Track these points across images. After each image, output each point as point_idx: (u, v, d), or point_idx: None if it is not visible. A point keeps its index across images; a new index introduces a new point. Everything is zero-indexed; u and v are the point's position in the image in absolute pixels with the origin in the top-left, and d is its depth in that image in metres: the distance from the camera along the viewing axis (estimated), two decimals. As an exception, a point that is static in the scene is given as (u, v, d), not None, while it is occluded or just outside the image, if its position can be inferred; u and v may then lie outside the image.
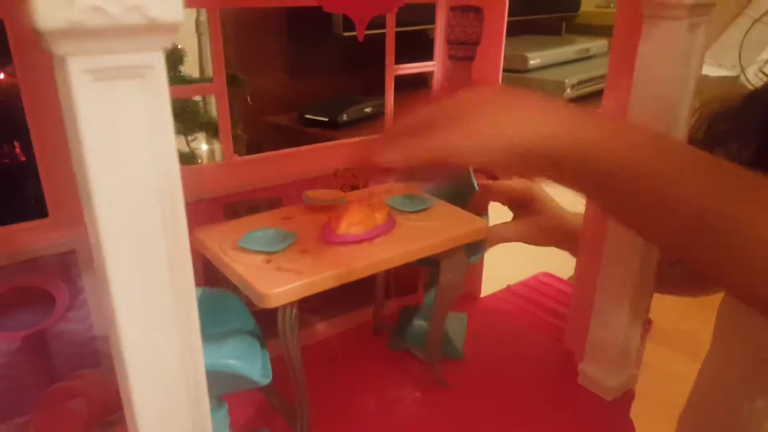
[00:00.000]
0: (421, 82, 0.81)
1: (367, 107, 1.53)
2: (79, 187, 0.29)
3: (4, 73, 0.82)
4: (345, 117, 1.47)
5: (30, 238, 0.49)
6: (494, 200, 0.77)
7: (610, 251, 0.61)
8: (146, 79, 0.27)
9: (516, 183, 0.76)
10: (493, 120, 0.42)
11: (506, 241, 0.78)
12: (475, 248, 0.67)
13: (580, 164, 0.42)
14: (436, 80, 0.74)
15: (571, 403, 0.66)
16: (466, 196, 0.70)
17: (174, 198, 0.29)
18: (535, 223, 0.77)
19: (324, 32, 1.58)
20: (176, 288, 0.32)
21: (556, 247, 0.80)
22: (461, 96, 0.45)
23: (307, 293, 0.50)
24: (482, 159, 0.43)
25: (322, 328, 0.76)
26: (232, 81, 1.17)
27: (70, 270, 0.53)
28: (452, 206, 0.65)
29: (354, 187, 0.71)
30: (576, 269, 0.71)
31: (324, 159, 0.71)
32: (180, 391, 0.35)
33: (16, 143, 0.79)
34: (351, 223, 0.56)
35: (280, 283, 0.49)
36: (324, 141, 0.73)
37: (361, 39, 0.54)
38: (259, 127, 1.55)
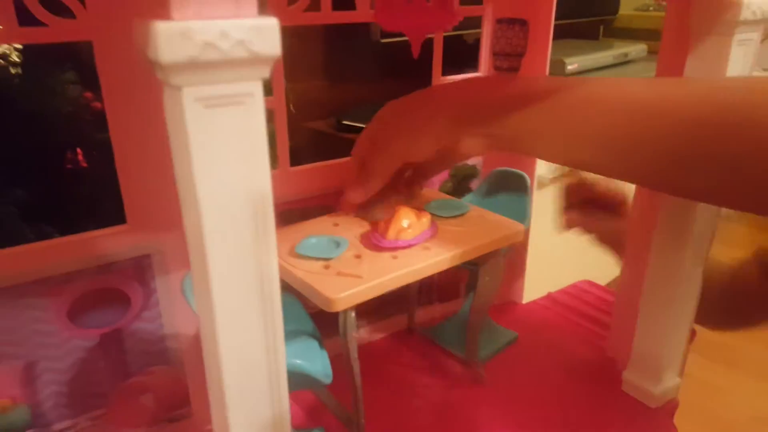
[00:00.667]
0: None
1: (405, 113, 1.55)
2: (181, 199, 0.33)
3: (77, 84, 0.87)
4: (382, 123, 1.49)
5: (109, 243, 0.53)
6: (588, 195, 0.74)
7: (656, 259, 0.63)
8: (247, 105, 0.30)
9: (611, 182, 0.73)
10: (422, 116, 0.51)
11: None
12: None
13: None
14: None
15: (614, 409, 0.67)
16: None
17: (266, 210, 0.33)
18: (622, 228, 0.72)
19: (362, 39, 1.61)
20: (264, 291, 0.35)
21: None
22: (386, 108, 0.55)
23: (368, 297, 0.53)
24: (433, 147, 0.52)
25: (364, 332, 0.79)
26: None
27: (145, 273, 0.56)
28: (486, 211, 0.67)
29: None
30: (621, 276, 0.72)
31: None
32: (263, 385, 0.38)
33: (93, 153, 0.84)
34: (399, 230, 0.58)
35: (344, 288, 0.52)
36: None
37: (416, 56, 0.57)
38: (299, 133, 1.59)
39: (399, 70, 1.82)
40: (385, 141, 0.54)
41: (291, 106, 1.40)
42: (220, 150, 0.30)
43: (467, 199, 0.75)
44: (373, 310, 0.81)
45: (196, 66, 0.27)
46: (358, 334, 0.78)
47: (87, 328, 0.55)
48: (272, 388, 0.38)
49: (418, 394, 0.69)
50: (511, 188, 0.72)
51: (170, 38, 0.26)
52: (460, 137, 0.51)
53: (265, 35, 0.28)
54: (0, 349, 0.51)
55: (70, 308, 0.54)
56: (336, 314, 0.57)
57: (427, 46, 0.69)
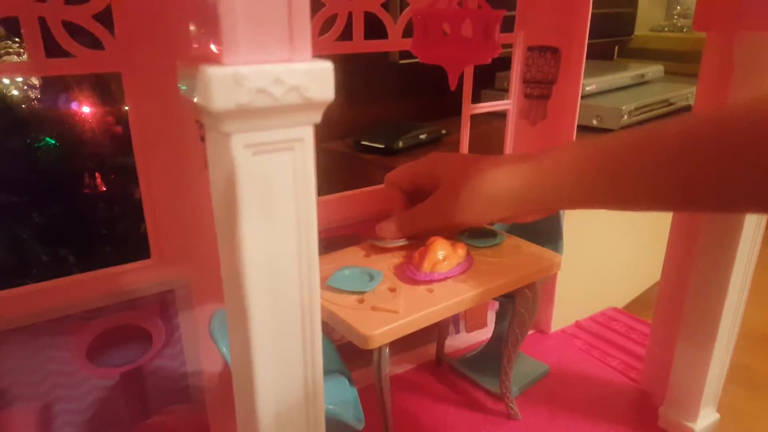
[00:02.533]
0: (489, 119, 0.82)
1: (423, 133, 1.53)
2: (220, 246, 0.30)
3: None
4: (401, 143, 1.47)
5: (133, 278, 0.51)
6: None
7: (697, 288, 0.60)
8: (296, 151, 0.28)
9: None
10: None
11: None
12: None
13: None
14: (512, 118, 0.74)
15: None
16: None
17: (311, 255, 0.30)
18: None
19: (380, 59, 1.59)
20: (305, 330, 0.32)
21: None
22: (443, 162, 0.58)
23: (405, 333, 0.51)
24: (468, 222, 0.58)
25: (391, 363, 0.76)
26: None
27: (168, 308, 0.54)
28: (521, 240, 0.65)
29: None
30: (657, 305, 0.69)
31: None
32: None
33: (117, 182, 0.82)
34: (435, 262, 0.56)
35: (380, 324, 0.49)
36: (380, 167, 0.74)
37: (453, 88, 0.55)
38: (317, 154, 1.57)
39: (417, 90, 1.81)
40: (439, 196, 0.57)
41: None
42: (268, 195, 0.28)
43: (496, 224, 0.73)
44: (400, 341, 0.78)
45: (247, 112, 0.25)
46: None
47: (107, 367, 0.53)
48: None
49: (451, 428, 0.66)
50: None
51: (222, 85, 0.24)
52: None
53: (319, 80, 0.26)
54: (15, 390, 0.49)
55: (90, 347, 0.52)
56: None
57: (439, 69, 0.68)
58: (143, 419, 0.57)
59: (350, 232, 0.67)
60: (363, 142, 1.54)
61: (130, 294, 0.52)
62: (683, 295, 0.62)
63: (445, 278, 0.57)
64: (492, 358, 0.73)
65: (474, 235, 0.65)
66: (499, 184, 0.53)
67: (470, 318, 0.83)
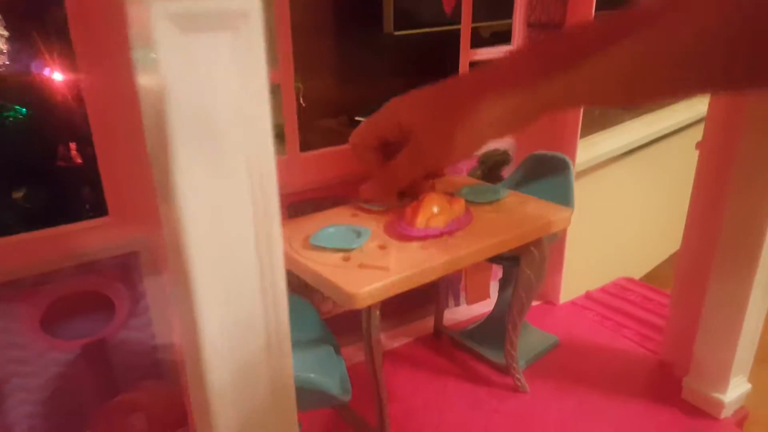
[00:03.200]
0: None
1: (420, 108, 1.48)
2: (154, 169, 0.25)
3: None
4: (397, 119, 1.42)
5: (89, 238, 0.46)
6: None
7: (725, 257, 0.54)
8: (240, 32, 0.22)
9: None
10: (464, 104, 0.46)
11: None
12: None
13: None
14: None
15: (675, 420, 0.58)
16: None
17: (267, 184, 0.24)
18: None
19: (374, 31, 1.53)
20: (265, 280, 0.26)
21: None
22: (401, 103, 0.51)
23: (396, 292, 0.45)
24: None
25: (385, 338, 0.71)
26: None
27: (132, 273, 0.49)
28: (526, 195, 0.59)
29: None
30: (675, 275, 0.63)
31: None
32: (268, 406, 0.30)
33: (71, 145, 0.77)
34: (429, 216, 0.50)
35: (368, 282, 0.44)
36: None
37: (448, 11, 0.49)
38: (310, 131, 1.51)
39: (413, 64, 1.74)
40: (417, 145, 0.50)
41: (301, 99, 1.33)
42: (203, 95, 0.22)
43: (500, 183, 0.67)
44: (394, 312, 0.72)
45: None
46: (381, 338, 0.71)
47: (65, 339, 0.47)
48: (278, 410, 0.30)
49: (452, 404, 0.60)
50: (550, 173, 0.64)
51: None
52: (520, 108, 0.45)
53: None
54: (-39, 365, 0.44)
55: (45, 316, 0.46)
56: (355, 318, 0.50)
57: (442, 38, 0.62)
58: (111, 397, 0.51)
59: (337, 193, 0.61)
60: (357, 118, 1.48)
61: (87, 256, 0.46)
62: (707, 261, 0.56)
63: (441, 234, 0.51)
64: (495, 329, 0.67)
65: (473, 190, 0.59)
66: (484, 117, 0.46)
67: (471, 289, 0.77)
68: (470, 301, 0.77)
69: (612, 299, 0.81)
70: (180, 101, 0.21)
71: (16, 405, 0.47)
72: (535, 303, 0.78)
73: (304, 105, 1.28)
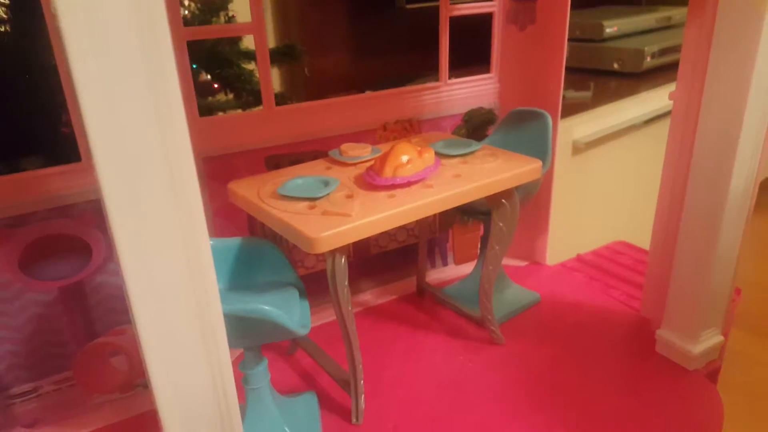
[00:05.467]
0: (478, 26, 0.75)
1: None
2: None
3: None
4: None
5: (62, 183, 0.48)
6: None
7: (693, 206, 0.53)
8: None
9: None
10: None
11: None
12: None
13: None
14: (498, 22, 0.68)
15: (647, 371, 0.58)
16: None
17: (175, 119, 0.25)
18: None
19: (386, 5, 1.53)
20: (182, 215, 0.28)
21: None
22: None
23: (358, 237, 0.46)
24: None
25: (370, 296, 0.72)
26: (290, 52, 1.14)
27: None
28: (499, 149, 0.59)
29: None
30: (654, 230, 0.63)
31: (372, 111, 0.66)
32: (194, 337, 0.31)
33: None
34: (396, 166, 0.51)
35: (329, 227, 0.45)
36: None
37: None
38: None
39: (425, 37, 1.73)
40: None
41: (306, 70, 1.34)
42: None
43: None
44: (378, 272, 0.73)
45: None
46: (362, 296, 0.72)
47: (42, 280, 0.50)
48: (206, 339, 0.31)
49: (426, 356, 0.61)
50: (530, 128, 0.64)
51: None
52: None
53: None
54: (-60, 300, 0.46)
55: (22, 257, 0.48)
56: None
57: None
58: (89, 340, 0.54)
59: (317, 148, 0.62)
60: (368, 92, 1.48)
61: (62, 200, 0.48)
62: (679, 216, 0.56)
63: (408, 183, 0.51)
64: (476, 286, 0.67)
65: (447, 144, 0.60)
66: None
67: (459, 249, 0.77)
68: (458, 261, 0.78)
69: (603, 261, 0.81)
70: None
71: (-1, 342, 0.50)
72: (521, 263, 0.78)
73: (309, 75, 1.29)
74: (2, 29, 0.78)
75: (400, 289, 0.73)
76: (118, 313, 0.54)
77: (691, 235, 0.54)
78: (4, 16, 0.79)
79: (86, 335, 0.53)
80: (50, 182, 0.47)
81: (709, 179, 0.52)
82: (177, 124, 0.26)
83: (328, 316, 0.65)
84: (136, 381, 0.56)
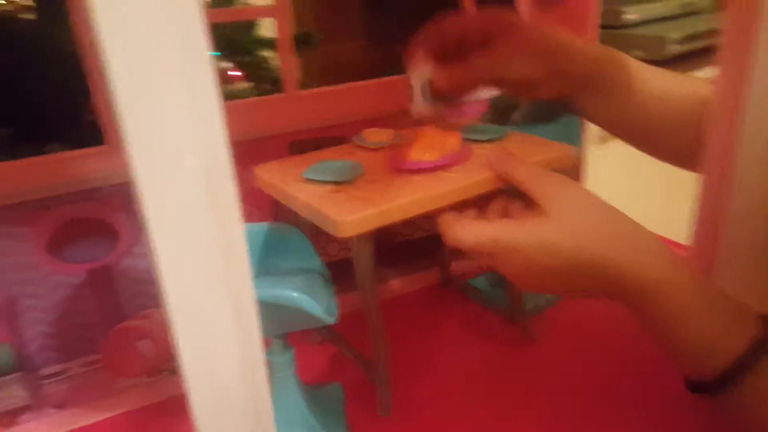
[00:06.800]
0: None
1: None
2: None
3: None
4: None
5: (88, 166, 0.48)
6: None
7: (737, 217, 0.52)
8: None
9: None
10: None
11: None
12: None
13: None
14: (523, 3, 0.67)
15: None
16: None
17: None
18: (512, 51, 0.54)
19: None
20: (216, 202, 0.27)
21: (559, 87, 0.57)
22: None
23: (384, 222, 0.45)
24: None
25: (393, 285, 0.72)
26: (305, 39, 1.14)
27: (134, 202, 0.51)
28: (529, 135, 0.58)
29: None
30: (694, 222, 0.61)
31: (395, 96, 0.65)
32: (226, 322, 0.31)
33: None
34: (423, 149, 0.50)
35: (354, 211, 0.44)
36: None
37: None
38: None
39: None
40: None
41: (323, 57, 1.33)
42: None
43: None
44: (402, 260, 0.73)
45: None
46: (385, 286, 0.71)
47: (70, 262, 0.50)
48: (239, 327, 0.31)
49: (453, 351, 0.60)
50: (556, 115, 0.63)
51: None
52: None
53: None
54: (-28, 281, 0.47)
55: (51, 240, 0.49)
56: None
57: None
58: (117, 323, 0.54)
59: (337, 133, 0.62)
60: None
61: (87, 183, 0.48)
62: (725, 207, 0.54)
63: (435, 167, 0.51)
64: (502, 277, 0.66)
65: (474, 129, 0.59)
66: None
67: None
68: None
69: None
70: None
71: (30, 323, 0.50)
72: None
73: (325, 63, 1.28)
74: (30, 17, 0.79)
75: (425, 280, 0.72)
76: (146, 296, 0.55)
77: (741, 228, 0.53)
78: (33, 3, 0.80)
79: (113, 318, 0.54)
80: (75, 165, 0.48)
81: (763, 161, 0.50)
82: (211, 105, 0.25)
83: (350, 305, 0.65)
84: (163, 365, 0.56)
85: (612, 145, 0.81)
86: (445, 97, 0.56)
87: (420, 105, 0.56)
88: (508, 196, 0.47)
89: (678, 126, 0.56)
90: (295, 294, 0.42)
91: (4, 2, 0.79)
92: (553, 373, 0.57)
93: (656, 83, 0.57)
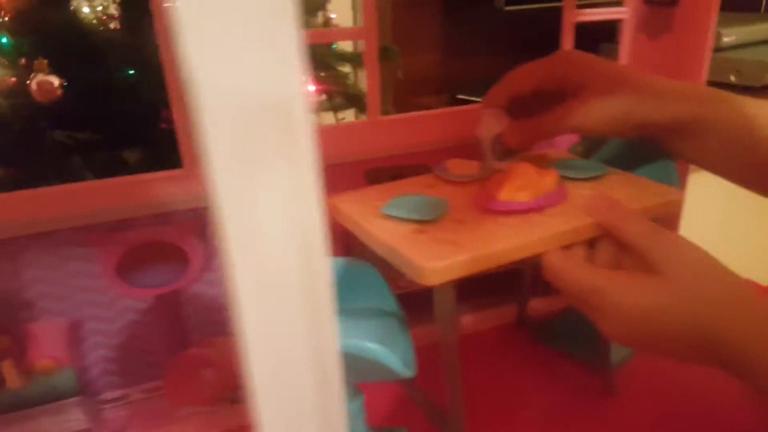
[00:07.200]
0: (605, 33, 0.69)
1: (526, 87, 1.41)
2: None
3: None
4: (501, 97, 1.36)
5: (163, 189, 0.46)
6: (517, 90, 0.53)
7: None
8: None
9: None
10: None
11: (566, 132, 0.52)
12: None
13: None
14: (628, 30, 0.61)
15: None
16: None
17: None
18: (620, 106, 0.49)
19: (484, 7, 1.47)
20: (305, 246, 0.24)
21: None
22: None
23: (471, 270, 0.41)
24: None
25: (463, 322, 0.67)
26: (384, 53, 1.11)
27: (206, 228, 0.48)
28: (631, 174, 0.53)
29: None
30: None
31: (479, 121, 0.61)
32: (306, 374, 0.28)
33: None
34: (515, 188, 0.46)
35: (440, 256, 0.40)
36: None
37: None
38: (409, 108, 1.49)
39: (523, 40, 1.66)
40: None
41: (400, 72, 1.31)
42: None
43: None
44: (475, 295, 0.68)
45: None
46: (458, 325, 0.67)
47: (139, 287, 0.48)
48: (318, 380, 0.27)
49: (530, 402, 0.56)
50: (651, 153, 0.57)
51: None
52: None
53: None
54: (42, 302, 0.46)
55: (121, 263, 0.47)
56: (430, 295, 0.46)
57: (556, 15, 0.59)
58: (183, 350, 0.52)
59: (418, 162, 0.58)
60: (459, 96, 1.43)
61: (161, 207, 0.46)
62: None
63: (528, 209, 0.46)
64: (583, 321, 0.61)
65: (569, 165, 0.54)
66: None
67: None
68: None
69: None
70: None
71: (93, 347, 0.49)
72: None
73: (402, 77, 1.26)
74: (112, 26, 0.80)
75: (499, 317, 0.68)
76: (212, 324, 0.52)
77: None
78: (115, 13, 0.80)
79: (179, 344, 0.52)
80: (150, 188, 0.46)
81: None
82: (301, 127, 0.22)
83: (418, 338, 0.61)
84: (225, 395, 0.54)
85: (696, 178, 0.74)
86: (517, 151, 0.53)
87: (489, 161, 0.52)
88: (618, 243, 0.42)
89: None
90: (372, 345, 0.38)
91: (89, 12, 0.79)
92: (636, 429, 0.52)
93: None
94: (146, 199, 0.45)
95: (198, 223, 0.48)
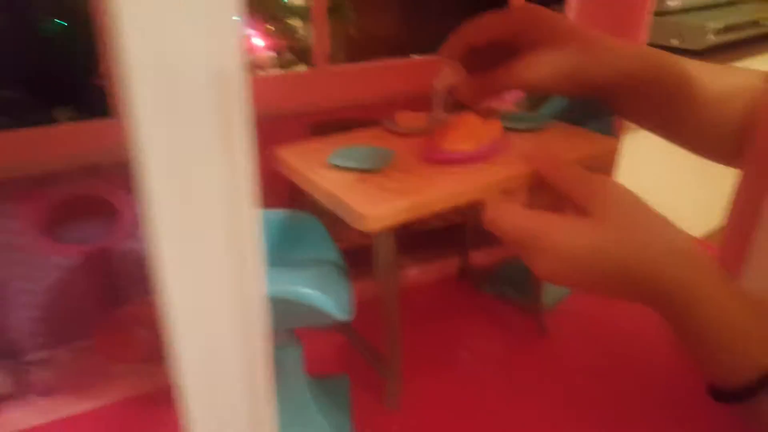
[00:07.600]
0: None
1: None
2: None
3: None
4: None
5: (91, 140, 0.43)
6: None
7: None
8: None
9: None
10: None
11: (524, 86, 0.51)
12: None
13: None
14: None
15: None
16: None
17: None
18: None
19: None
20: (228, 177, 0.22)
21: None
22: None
23: (412, 216, 0.41)
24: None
25: (406, 274, 0.67)
26: (335, 10, 1.08)
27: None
28: (572, 126, 0.54)
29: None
30: (726, 231, 0.56)
31: (429, 74, 0.60)
32: (230, 324, 0.26)
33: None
34: (459, 139, 0.45)
35: (381, 202, 0.40)
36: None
37: None
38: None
39: (477, 2, 1.64)
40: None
41: (352, 29, 1.27)
42: None
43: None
44: (419, 249, 0.68)
45: None
46: (399, 274, 0.67)
47: (66, 244, 0.46)
48: (241, 323, 0.26)
49: (467, 344, 0.57)
50: (591, 112, 0.57)
51: None
52: None
53: None
54: (-41, 260, 0.43)
55: (46, 219, 0.44)
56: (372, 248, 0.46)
57: None
58: (114, 308, 0.50)
59: (366, 115, 0.57)
60: (412, 56, 1.41)
61: (89, 158, 0.44)
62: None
63: (471, 159, 0.46)
64: (521, 269, 0.62)
65: (513, 117, 0.54)
66: None
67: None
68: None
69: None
70: None
71: (18, 308, 0.46)
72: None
73: (355, 36, 1.22)
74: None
75: (441, 269, 0.68)
76: (145, 282, 0.50)
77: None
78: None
79: (110, 303, 0.50)
80: (77, 138, 0.43)
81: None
82: (233, 75, 0.20)
83: (363, 293, 0.60)
84: (158, 354, 0.52)
85: (632, 137, 0.76)
86: (467, 105, 0.52)
87: (438, 113, 0.52)
88: (555, 190, 0.43)
89: (732, 125, 0.52)
90: (306, 290, 0.37)
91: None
92: (565, 369, 0.54)
93: (714, 85, 0.52)
94: (72, 151, 0.43)
95: (129, 176, 0.46)
